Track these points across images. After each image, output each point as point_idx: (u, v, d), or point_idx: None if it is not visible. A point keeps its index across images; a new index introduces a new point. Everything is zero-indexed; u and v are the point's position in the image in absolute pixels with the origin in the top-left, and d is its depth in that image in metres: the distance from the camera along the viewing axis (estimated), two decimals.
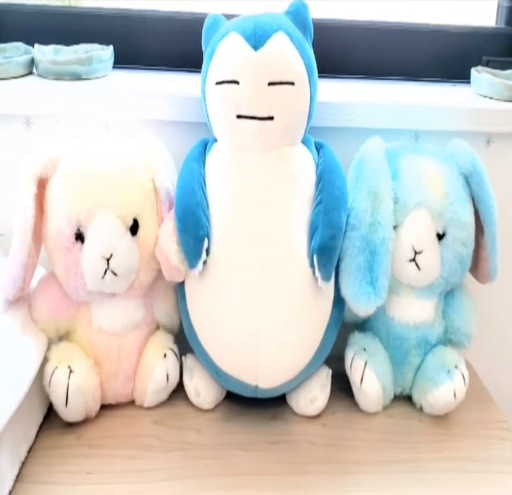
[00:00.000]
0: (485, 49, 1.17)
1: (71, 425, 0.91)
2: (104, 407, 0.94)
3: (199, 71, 0.91)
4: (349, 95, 1.06)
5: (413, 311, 0.94)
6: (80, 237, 0.86)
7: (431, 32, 1.17)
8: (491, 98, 1.07)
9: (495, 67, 1.13)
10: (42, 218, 0.88)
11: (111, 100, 0.99)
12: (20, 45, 1.08)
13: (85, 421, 0.91)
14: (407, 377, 0.97)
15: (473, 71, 1.11)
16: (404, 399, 0.99)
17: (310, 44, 0.89)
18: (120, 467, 0.85)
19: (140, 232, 0.89)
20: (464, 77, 1.14)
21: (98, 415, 0.93)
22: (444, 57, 1.17)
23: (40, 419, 0.91)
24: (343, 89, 1.10)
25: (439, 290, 0.94)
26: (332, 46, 1.13)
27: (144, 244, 0.89)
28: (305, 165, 0.90)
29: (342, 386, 0.97)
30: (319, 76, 0.90)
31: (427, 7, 1.28)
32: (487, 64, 1.15)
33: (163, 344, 0.95)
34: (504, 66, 1.13)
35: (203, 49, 0.91)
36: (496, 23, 1.24)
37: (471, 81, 1.11)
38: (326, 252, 0.85)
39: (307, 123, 0.90)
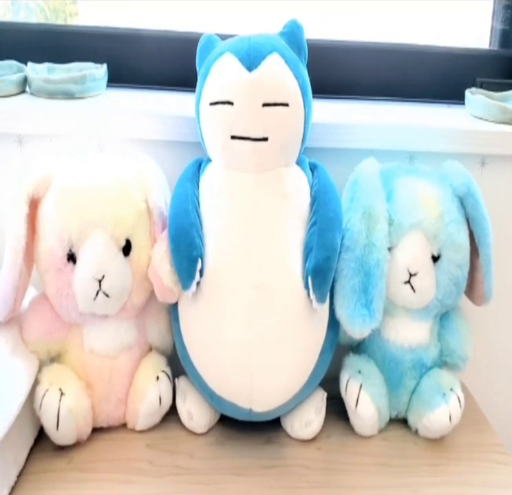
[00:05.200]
0: (479, 71, 1.18)
1: (62, 449, 0.89)
2: (96, 430, 0.93)
3: (194, 91, 0.91)
4: (344, 116, 1.06)
5: (409, 334, 0.94)
6: (72, 258, 0.86)
7: (425, 54, 1.17)
8: (485, 120, 1.07)
9: (489, 89, 1.13)
10: (34, 239, 0.87)
11: (105, 120, 0.99)
12: (13, 63, 1.08)
13: (76, 445, 0.90)
14: (402, 399, 0.96)
15: (468, 93, 1.11)
16: (400, 422, 0.98)
17: (305, 65, 0.89)
18: (112, 491, 0.84)
19: (133, 252, 0.88)
20: (458, 98, 1.14)
21: (89, 438, 0.91)
22: (438, 78, 1.18)
23: (31, 442, 0.90)
24: (337, 110, 1.10)
25: (434, 312, 0.94)
26: (327, 67, 1.13)
27: (137, 265, 0.88)
28: (299, 186, 0.89)
29: (337, 409, 0.96)
30: (314, 97, 0.90)
31: (422, 28, 1.29)
32: (481, 86, 1.15)
33: (156, 366, 0.94)
34: (498, 88, 1.14)
35: (197, 69, 0.91)
36: (490, 45, 1.25)
37: (466, 103, 1.12)
38: (321, 274, 0.84)
39: (302, 144, 0.90)
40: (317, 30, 1.04)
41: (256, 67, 0.83)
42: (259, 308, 0.84)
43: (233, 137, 0.85)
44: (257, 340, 0.84)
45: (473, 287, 0.96)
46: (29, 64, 1.07)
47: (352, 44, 1.17)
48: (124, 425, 0.95)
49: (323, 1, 1.24)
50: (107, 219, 0.85)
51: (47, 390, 0.86)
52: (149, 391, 0.92)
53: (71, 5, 1.41)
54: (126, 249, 0.87)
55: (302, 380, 0.89)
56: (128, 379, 0.93)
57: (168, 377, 0.94)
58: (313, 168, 0.93)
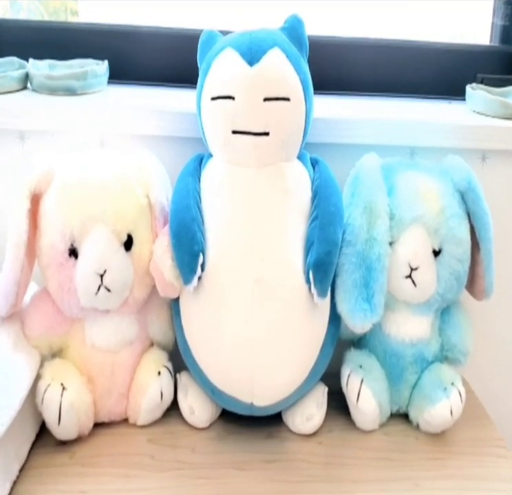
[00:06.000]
0: (480, 67, 1.18)
1: (64, 444, 0.90)
2: (98, 425, 0.93)
3: (195, 87, 0.91)
4: (345, 112, 1.06)
5: (410, 328, 0.94)
6: (73, 253, 0.86)
7: (426, 50, 1.17)
8: (486, 115, 1.07)
9: (489, 85, 1.13)
10: (35, 234, 0.87)
11: (106, 116, 0.99)
12: (14, 60, 1.08)
13: (78, 440, 0.90)
14: (403, 394, 0.96)
15: (468, 88, 1.11)
16: (401, 416, 0.98)
17: (306, 60, 0.89)
18: (114, 486, 0.84)
19: (134, 247, 0.88)
20: (459, 94, 1.14)
21: (91, 433, 0.91)
22: (439, 74, 1.18)
23: (33, 437, 0.90)
24: (338, 105, 1.10)
25: (435, 307, 0.94)
26: (328, 62, 1.13)
27: (139, 260, 0.88)
28: (300, 180, 0.90)
29: (338, 404, 0.96)
30: (315, 93, 0.90)
31: (422, 24, 1.29)
32: (482, 81, 1.16)
33: (157, 361, 0.94)
34: (498, 83, 1.14)
35: (198, 64, 0.91)
36: (490, 41, 1.25)
37: (466, 98, 1.12)
38: (322, 268, 0.84)
39: (303, 139, 0.90)
40: (318, 26, 1.04)
41: (257, 61, 0.83)
42: (260, 302, 0.84)
43: (234, 132, 0.85)
44: (258, 335, 0.84)
45: (474, 281, 0.96)
46: (31, 60, 1.07)
47: (353, 40, 1.17)
48: (125, 420, 0.95)
49: None
50: (109, 214, 0.86)
51: (49, 385, 0.85)
52: (151, 386, 0.92)
53: (71, 3, 1.41)
54: (128, 244, 0.87)
55: (303, 374, 0.89)
56: (129, 374, 0.93)
57: (170, 372, 0.94)
58: (314, 162, 0.93)
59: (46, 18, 1.40)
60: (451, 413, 0.91)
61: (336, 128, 1.00)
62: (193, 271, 0.84)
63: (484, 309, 1.01)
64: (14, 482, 0.82)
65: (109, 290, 0.86)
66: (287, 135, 0.86)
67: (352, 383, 0.93)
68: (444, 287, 0.91)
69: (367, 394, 0.92)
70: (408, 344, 0.94)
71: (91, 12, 1.40)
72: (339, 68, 1.16)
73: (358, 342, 0.99)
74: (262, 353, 0.85)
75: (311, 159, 0.93)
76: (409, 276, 0.90)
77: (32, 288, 0.93)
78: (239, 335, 0.85)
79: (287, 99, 0.84)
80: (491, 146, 1.04)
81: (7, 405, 0.79)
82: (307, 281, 0.85)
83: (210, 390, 0.90)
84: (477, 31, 1.28)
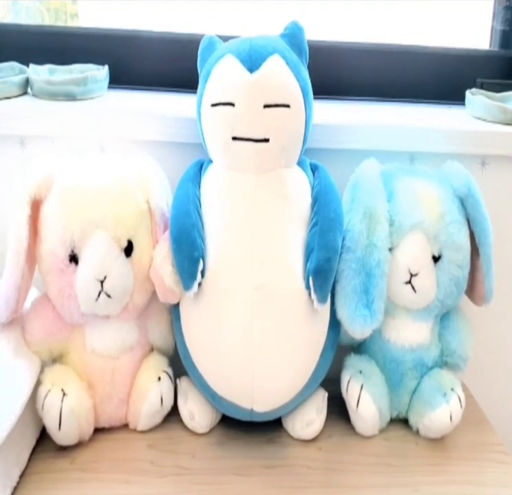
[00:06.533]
0: (479, 72, 1.18)
1: (64, 449, 0.90)
2: (98, 430, 0.93)
3: (195, 92, 0.91)
4: (345, 117, 1.06)
5: (409, 334, 0.94)
6: (74, 259, 0.86)
7: (425, 54, 1.17)
8: (485, 120, 1.07)
9: (489, 90, 1.14)
10: (36, 240, 0.88)
11: (106, 121, 0.99)
12: (15, 65, 1.08)
13: (79, 445, 0.90)
14: (403, 399, 0.96)
15: (468, 94, 1.11)
16: (401, 422, 0.98)
17: (306, 66, 0.90)
18: (114, 491, 0.84)
19: (135, 253, 0.88)
20: (458, 99, 1.14)
21: (91, 439, 0.91)
22: (438, 79, 1.18)
23: (33, 442, 0.90)
24: (338, 111, 1.10)
25: (435, 312, 0.94)
26: (328, 68, 1.13)
27: (139, 266, 0.88)
28: (300, 186, 0.90)
29: (338, 409, 0.96)
30: (315, 98, 0.90)
31: (422, 29, 1.29)
32: (481, 86, 1.16)
33: (157, 366, 0.94)
34: (498, 88, 1.14)
35: (198, 70, 0.91)
36: (490, 46, 1.25)
37: (466, 103, 1.12)
38: (322, 274, 0.84)
39: (303, 145, 0.90)
40: (318, 31, 1.04)
41: (257, 68, 0.83)
42: (260, 308, 0.84)
43: (234, 138, 0.85)
44: (258, 340, 0.84)
45: (473, 287, 0.96)
46: (31, 65, 1.07)
47: (353, 45, 1.17)
48: (125, 426, 0.95)
49: (324, 2, 1.24)
50: (109, 220, 0.86)
51: (50, 391, 0.86)
52: (151, 391, 0.92)
53: (71, 6, 1.41)
54: (128, 249, 0.87)
55: (303, 380, 0.89)
56: (130, 379, 0.93)
57: (170, 378, 0.94)
58: (314, 168, 0.93)
59: (47, 18, 1.40)
60: (451, 418, 0.91)
61: (336, 133, 1.00)
62: (193, 278, 0.84)
63: (483, 314, 1.01)
64: (15, 488, 0.82)
65: (109, 296, 0.86)
66: (287, 141, 0.86)
67: (351, 388, 0.93)
68: (443, 293, 0.91)
69: (366, 400, 0.92)
70: (408, 350, 0.94)
71: (91, 14, 1.40)
72: (339, 73, 1.16)
73: (358, 348, 0.99)
74: (262, 359, 0.85)
75: (311, 165, 0.93)
76: (409, 282, 0.90)
77: (33, 294, 0.93)
78: (239, 341, 0.85)
79: (287, 105, 0.84)
80: (490, 151, 1.04)
81: (7, 411, 0.79)
82: (307, 287, 0.85)
83: (210, 396, 0.90)
84: (477, 35, 1.28)
